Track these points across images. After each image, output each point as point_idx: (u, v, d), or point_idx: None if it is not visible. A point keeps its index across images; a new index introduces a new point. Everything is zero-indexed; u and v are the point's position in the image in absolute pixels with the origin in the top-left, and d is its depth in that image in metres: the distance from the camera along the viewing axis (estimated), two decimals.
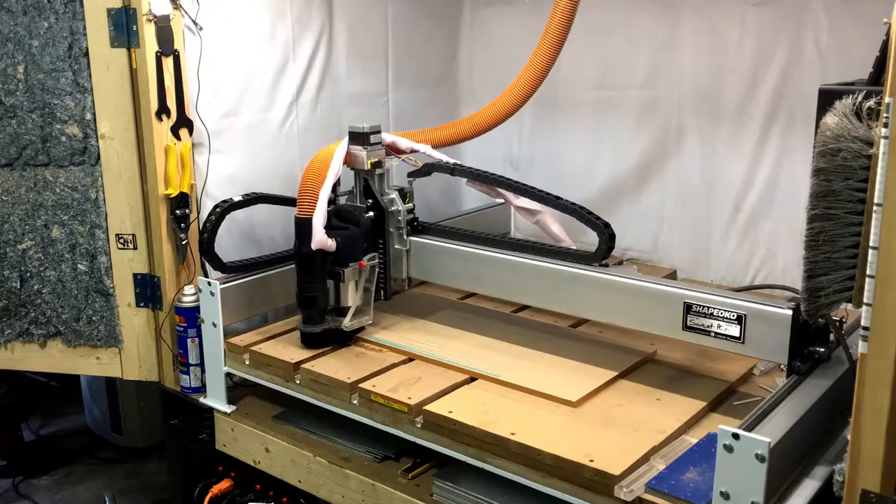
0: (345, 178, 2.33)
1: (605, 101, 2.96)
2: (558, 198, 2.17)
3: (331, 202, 2.25)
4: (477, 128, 2.51)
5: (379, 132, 2.32)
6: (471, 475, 1.92)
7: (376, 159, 2.31)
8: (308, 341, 2.29)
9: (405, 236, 2.36)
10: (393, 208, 2.35)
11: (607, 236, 2.05)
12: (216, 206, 2.37)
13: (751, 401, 1.98)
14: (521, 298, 2.37)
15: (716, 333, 1.86)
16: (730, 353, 1.88)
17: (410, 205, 2.38)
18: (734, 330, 1.83)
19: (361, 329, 2.34)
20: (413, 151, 2.41)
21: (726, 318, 1.84)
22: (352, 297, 2.27)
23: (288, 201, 2.62)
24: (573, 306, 2.14)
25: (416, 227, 2.39)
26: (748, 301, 1.84)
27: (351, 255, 2.25)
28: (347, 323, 2.26)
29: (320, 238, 2.16)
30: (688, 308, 1.90)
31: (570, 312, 2.28)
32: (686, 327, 1.91)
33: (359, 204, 2.36)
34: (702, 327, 1.88)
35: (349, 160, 2.30)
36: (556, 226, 2.38)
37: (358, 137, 2.30)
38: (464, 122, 2.53)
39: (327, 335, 2.28)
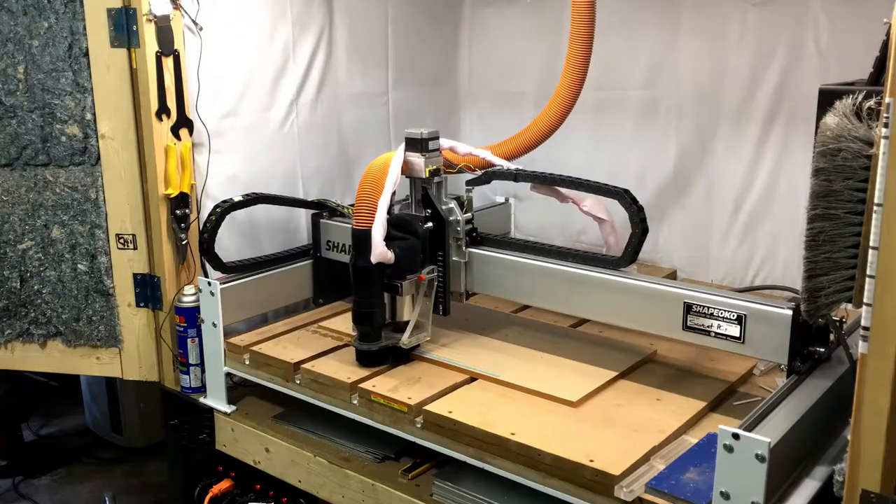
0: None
1: (606, 101, 2.96)
2: (634, 200, 2.03)
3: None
4: (522, 146, 2.40)
5: (437, 138, 2.20)
6: (471, 475, 1.92)
7: (434, 167, 2.18)
8: (364, 360, 2.17)
9: (464, 248, 2.24)
10: (452, 218, 2.22)
11: (636, 242, 2.02)
12: (216, 206, 2.37)
13: (751, 401, 1.98)
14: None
15: (716, 333, 1.86)
16: (730, 352, 1.88)
17: (469, 214, 2.25)
18: (734, 330, 1.83)
19: (417, 346, 2.22)
20: (469, 159, 2.31)
21: (726, 318, 1.84)
22: (409, 312, 2.16)
23: (288, 201, 2.63)
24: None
25: (475, 238, 2.27)
26: (748, 301, 1.84)
27: (409, 267, 2.14)
28: (406, 340, 2.14)
29: (381, 251, 2.05)
30: (688, 308, 1.90)
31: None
32: (686, 327, 1.91)
33: (415, 213, 2.24)
34: (702, 327, 1.88)
35: (405, 168, 2.18)
36: (614, 237, 2.32)
37: (415, 144, 2.17)
38: (509, 142, 2.42)
39: (385, 353, 2.17)
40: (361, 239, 2.08)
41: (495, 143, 2.43)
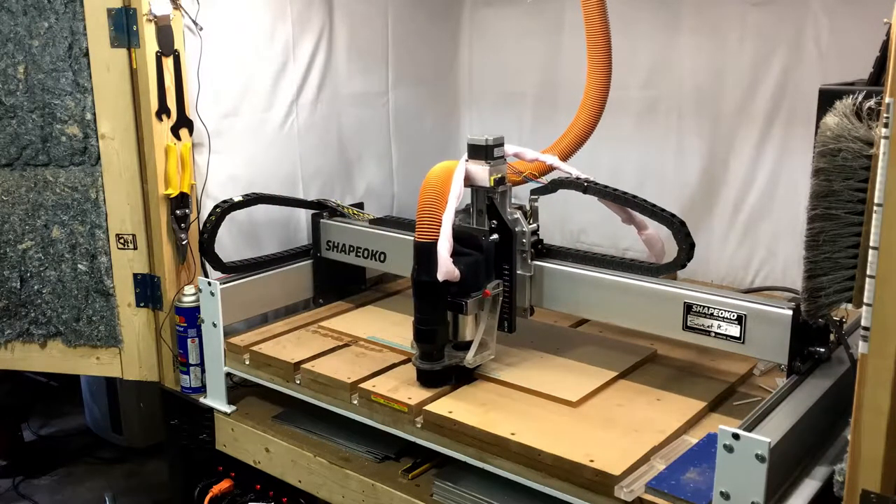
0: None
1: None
2: (689, 255, 1.98)
3: None
4: (568, 148, 2.29)
5: (502, 144, 2.06)
6: (471, 475, 1.92)
7: (499, 175, 2.05)
8: (426, 380, 2.06)
9: (529, 260, 2.12)
10: (518, 229, 2.09)
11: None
12: (216, 207, 2.37)
13: (751, 401, 1.98)
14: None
15: (716, 333, 1.86)
16: (730, 353, 1.88)
17: (535, 225, 2.13)
18: (734, 330, 1.83)
19: (480, 365, 2.10)
20: (537, 166, 2.18)
21: (726, 318, 1.84)
22: (473, 331, 2.05)
23: (288, 201, 2.63)
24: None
25: (541, 251, 2.15)
26: (748, 301, 1.84)
27: (474, 285, 2.01)
28: (470, 359, 2.01)
29: (448, 269, 1.93)
30: (688, 308, 1.90)
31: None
32: (686, 327, 1.91)
33: (476, 226, 2.12)
34: (702, 327, 1.88)
35: (467, 177, 2.05)
36: None
37: (479, 151, 2.04)
38: (555, 146, 2.30)
39: (448, 372, 2.06)
40: (424, 252, 1.96)
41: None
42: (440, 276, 1.94)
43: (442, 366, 2.05)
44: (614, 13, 2.84)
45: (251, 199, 2.46)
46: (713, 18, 2.66)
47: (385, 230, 2.49)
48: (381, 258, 2.49)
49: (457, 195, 1.99)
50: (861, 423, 1.35)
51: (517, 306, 2.14)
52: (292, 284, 2.59)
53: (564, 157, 2.27)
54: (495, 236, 2.08)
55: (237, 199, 2.42)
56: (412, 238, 2.39)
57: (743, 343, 1.83)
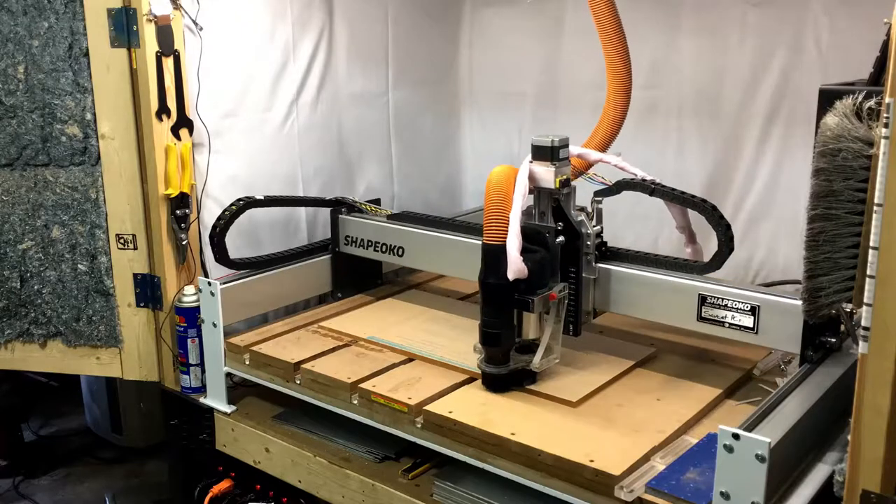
0: None
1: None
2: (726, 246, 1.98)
3: None
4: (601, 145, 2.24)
5: (567, 146, 2.03)
6: (471, 475, 1.92)
7: (564, 177, 2.02)
8: (492, 383, 2.04)
9: (593, 263, 2.10)
10: (584, 231, 2.06)
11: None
12: (238, 200, 2.39)
13: (751, 401, 1.98)
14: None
15: (730, 324, 1.89)
16: (730, 353, 1.89)
17: (599, 227, 2.11)
18: (748, 321, 1.86)
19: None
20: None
21: (740, 309, 1.87)
22: (536, 331, 2.02)
23: (306, 202, 2.69)
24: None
25: (605, 253, 2.13)
26: (761, 292, 1.87)
27: (539, 282, 1.98)
28: (537, 363, 1.99)
29: (518, 266, 1.89)
30: (702, 300, 1.92)
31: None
32: (700, 318, 1.94)
33: (544, 224, 2.08)
34: (716, 318, 1.91)
35: (531, 178, 2.02)
36: None
37: (544, 152, 2.00)
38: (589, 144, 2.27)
39: (513, 376, 2.03)
40: (494, 254, 1.93)
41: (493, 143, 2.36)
42: (511, 275, 1.90)
43: (508, 370, 2.01)
44: None
45: (272, 200, 2.50)
46: (713, 18, 2.65)
47: (403, 225, 2.52)
48: (399, 252, 2.52)
49: (522, 194, 1.95)
50: (861, 423, 1.35)
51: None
52: (292, 284, 2.59)
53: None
54: (561, 238, 2.04)
55: (259, 197, 2.45)
56: (429, 233, 2.46)
57: (756, 333, 1.85)
